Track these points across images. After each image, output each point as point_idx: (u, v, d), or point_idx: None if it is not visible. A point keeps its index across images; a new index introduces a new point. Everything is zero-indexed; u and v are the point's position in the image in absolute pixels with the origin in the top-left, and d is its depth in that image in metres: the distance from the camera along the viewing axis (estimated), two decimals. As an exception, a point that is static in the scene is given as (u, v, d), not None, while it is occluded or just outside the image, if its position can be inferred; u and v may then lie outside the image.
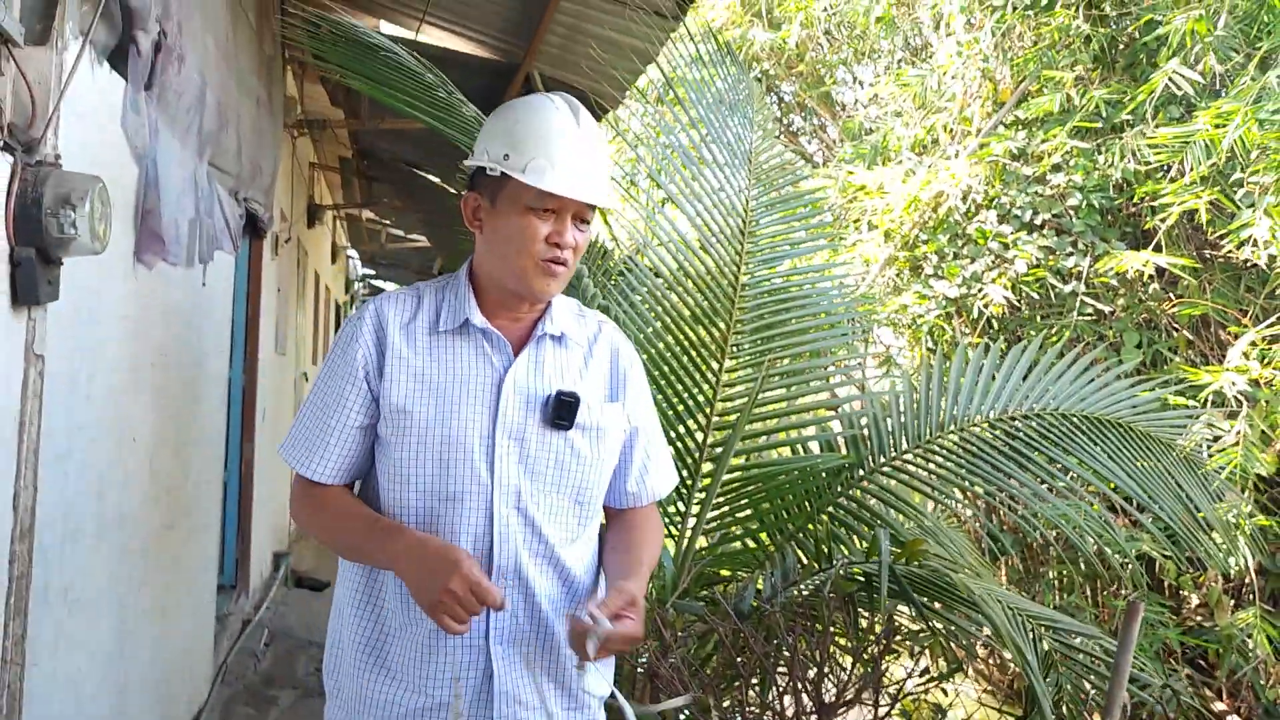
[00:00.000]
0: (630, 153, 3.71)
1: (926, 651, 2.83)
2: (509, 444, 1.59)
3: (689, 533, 3.10)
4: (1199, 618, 4.79)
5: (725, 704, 2.72)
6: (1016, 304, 5.10)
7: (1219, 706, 4.94)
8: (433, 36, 5.60)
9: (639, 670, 2.76)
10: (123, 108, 2.57)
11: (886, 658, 2.55)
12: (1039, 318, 5.09)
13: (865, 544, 2.87)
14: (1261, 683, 4.39)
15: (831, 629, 2.55)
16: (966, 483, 3.15)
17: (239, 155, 4.04)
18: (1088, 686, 2.27)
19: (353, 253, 15.32)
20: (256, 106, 4.59)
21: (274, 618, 5.62)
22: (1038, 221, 5.03)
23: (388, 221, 12.38)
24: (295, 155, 7.08)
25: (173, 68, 2.85)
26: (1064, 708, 2.28)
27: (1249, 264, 4.35)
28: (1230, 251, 4.11)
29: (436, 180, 7.67)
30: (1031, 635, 2.20)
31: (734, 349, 3.27)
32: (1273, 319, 4.03)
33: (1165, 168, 4.38)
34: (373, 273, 18.77)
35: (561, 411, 1.61)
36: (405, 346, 1.63)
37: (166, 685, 3.48)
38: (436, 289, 1.71)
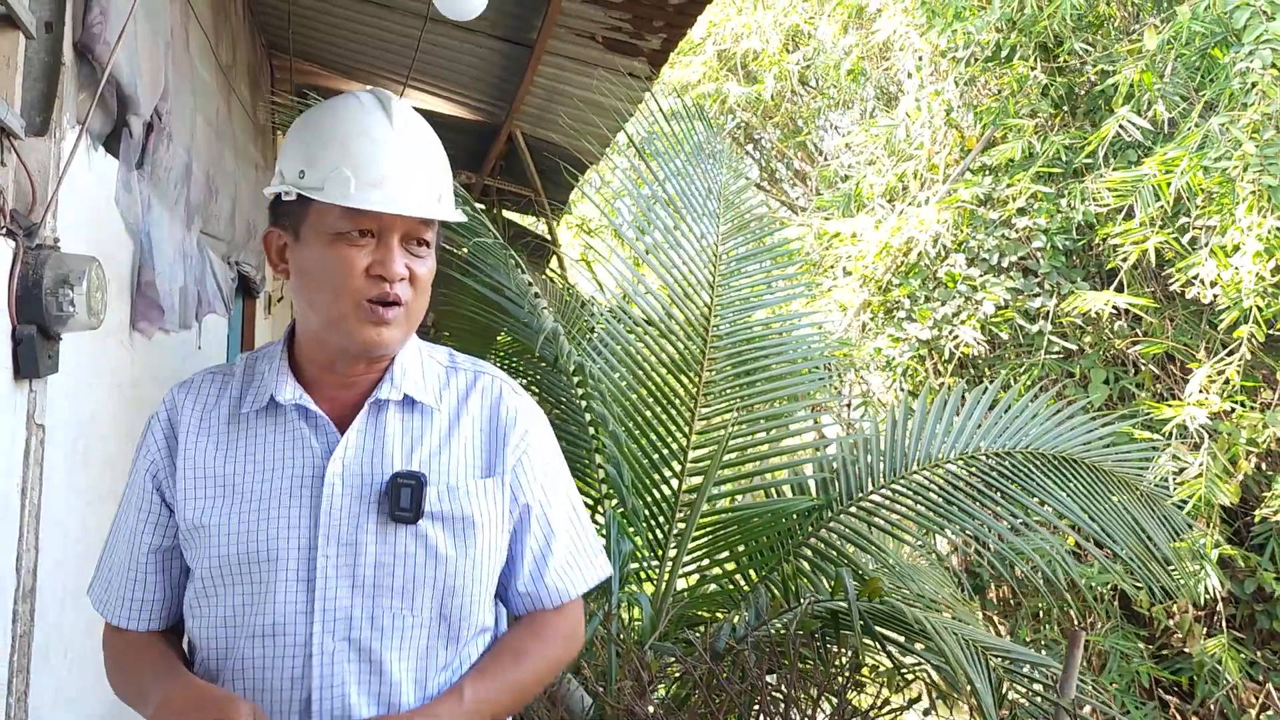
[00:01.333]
0: (609, 206, 3.87)
1: (904, 683, 2.94)
2: (337, 553, 1.22)
3: (667, 575, 3.22)
4: (1178, 645, 4.88)
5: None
6: (987, 344, 5.25)
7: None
8: (417, 100, 5.81)
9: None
10: (116, 187, 2.73)
11: (855, 690, 2.66)
12: (1010, 357, 5.24)
13: (832, 583, 2.99)
14: (1234, 708, 4.48)
15: (802, 665, 2.66)
16: (933, 521, 3.27)
17: (231, 221, 4.21)
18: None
19: (347, 306, 15.46)
20: (256, 172, 4.79)
21: (271, 671, 5.67)
22: (1005, 264, 5.20)
23: (381, 275, 12.57)
24: (287, 215, 7.26)
25: (163, 146, 3.02)
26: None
27: (1209, 302, 4.51)
28: (1182, 289, 4.28)
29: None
30: (986, 665, 2.31)
31: (708, 396, 3.40)
32: (1224, 353, 4.18)
33: (1123, 209, 4.56)
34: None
35: (401, 498, 1.23)
36: (201, 441, 1.29)
37: (164, 739, 3.56)
38: (251, 360, 1.35)
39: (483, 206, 7.12)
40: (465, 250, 3.45)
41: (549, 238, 6.99)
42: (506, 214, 7.76)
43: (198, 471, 1.28)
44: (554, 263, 7.01)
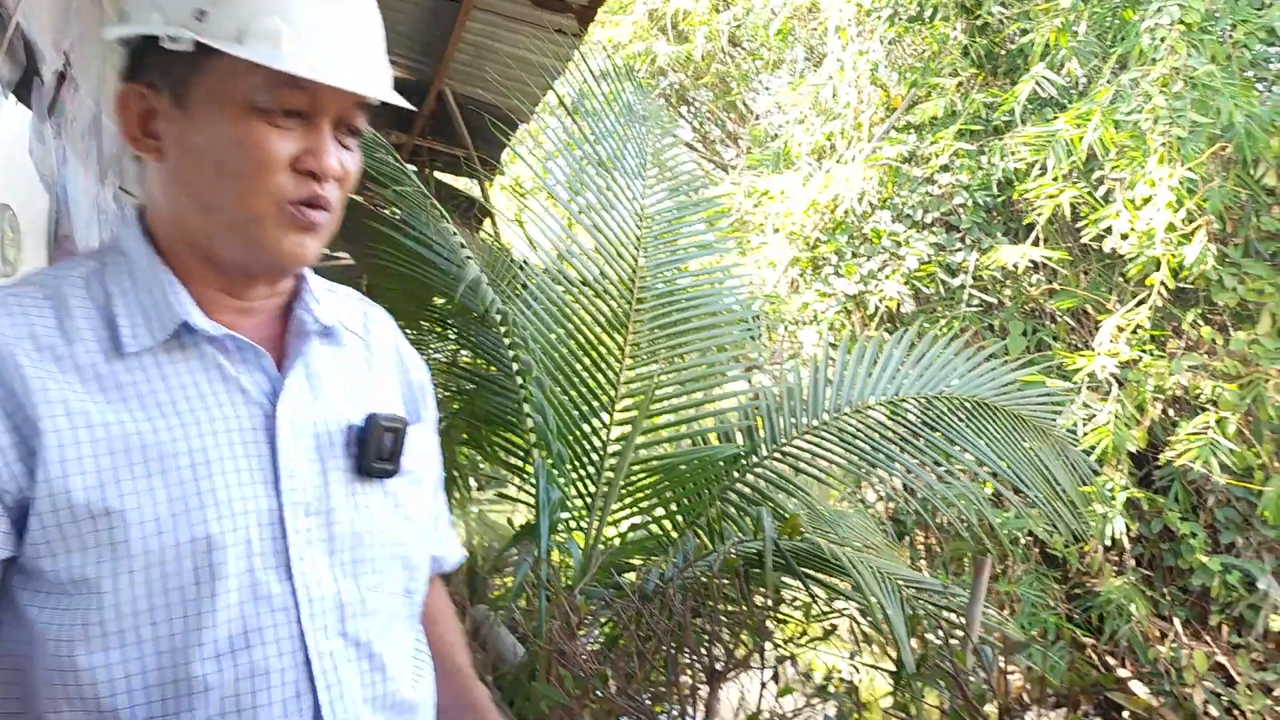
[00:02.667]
0: (540, 166, 3.88)
1: (829, 625, 3.06)
2: (308, 525, 0.93)
3: (596, 524, 3.29)
4: (1090, 585, 5.11)
5: (632, 681, 2.90)
6: (912, 298, 5.39)
7: (1124, 672, 5.27)
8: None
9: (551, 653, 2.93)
10: (30, 138, 2.68)
11: (777, 625, 2.76)
12: (933, 310, 5.39)
13: (754, 524, 3.08)
14: (1140, 641, 4.72)
15: (728, 604, 2.75)
16: (858, 466, 3.37)
17: (142, 177, 4.15)
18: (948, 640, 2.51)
19: (278, 272, 15.23)
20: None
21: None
22: (928, 220, 5.33)
23: (311, 239, 12.43)
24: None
25: (69, 95, 2.97)
26: (928, 660, 2.50)
27: (1118, 253, 4.68)
28: (1094, 242, 4.44)
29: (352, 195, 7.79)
30: (899, 596, 2.42)
31: (635, 347, 3.46)
32: (1132, 304, 4.36)
33: (1040, 165, 4.70)
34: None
35: (384, 447, 0.97)
36: (76, 387, 0.87)
37: None
38: (86, 276, 0.94)
39: (414, 168, 7.06)
40: (393, 211, 3.45)
41: (482, 198, 6.96)
42: (438, 175, 7.70)
43: (81, 432, 0.85)
44: (488, 224, 6.99)
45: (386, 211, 3.60)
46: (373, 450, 0.96)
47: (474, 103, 6.00)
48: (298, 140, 0.90)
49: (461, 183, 8.35)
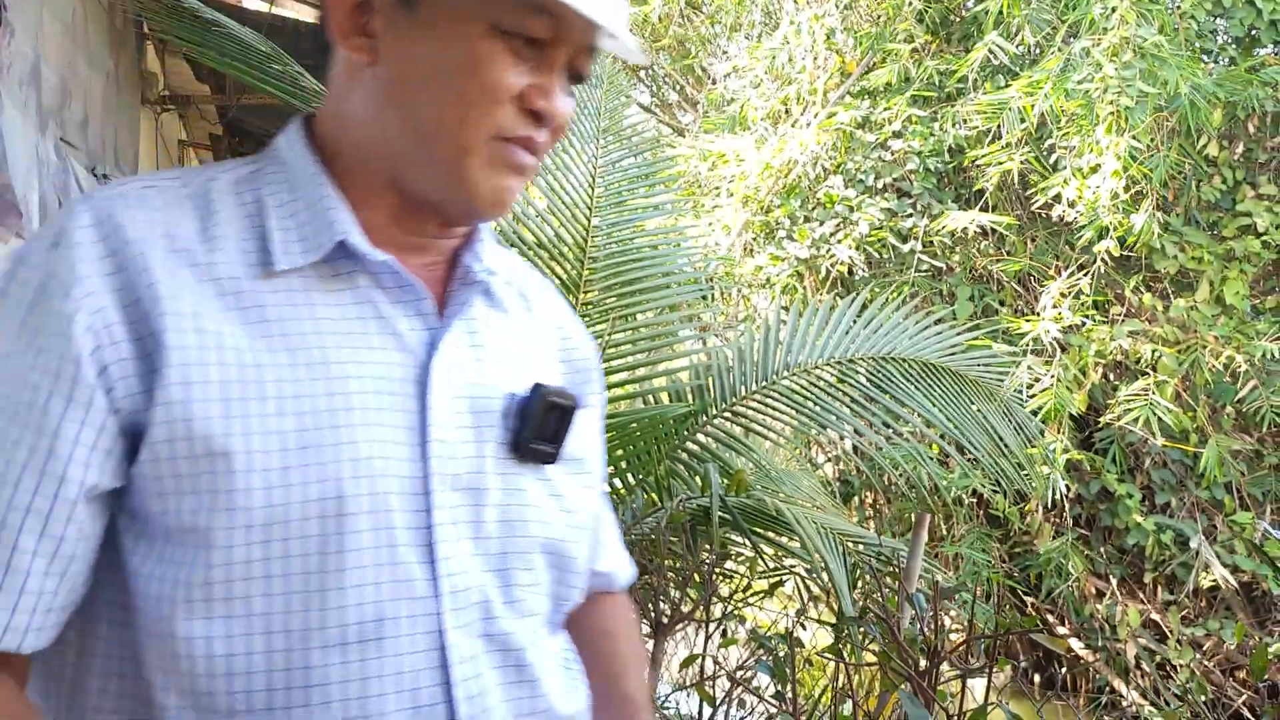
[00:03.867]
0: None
1: (774, 580, 3.11)
2: (456, 502, 0.78)
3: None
4: (1031, 542, 5.24)
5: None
6: (865, 263, 5.45)
7: (1062, 630, 5.42)
8: (289, 8, 5.61)
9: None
10: (-37, 83, 2.61)
11: (726, 582, 2.81)
12: (884, 275, 5.45)
13: (702, 481, 3.12)
14: (1075, 599, 4.86)
15: (674, 559, 2.79)
16: (808, 425, 3.42)
17: (84, 129, 4.05)
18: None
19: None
20: (106, 80, 4.57)
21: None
22: (880, 185, 5.37)
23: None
24: (161, 133, 6.95)
25: (4, 40, 2.89)
26: (868, 613, 2.56)
27: (1064, 220, 4.76)
28: (1041, 209, 4.51)
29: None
30: (841, 550, 2.47)
31: (588, 307, 3.47)
32: (1072, 269, 4.44)
33: (992, 132, 4.75)
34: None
35: (549, 425, 0.83)
36: (206, 301, 0.74)
37: None
38: (237, 181, 0.81)
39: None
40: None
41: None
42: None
43: (210, 354, 0.72)
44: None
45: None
46: (534, 426, 0.82)
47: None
48: (531, 75, 0.78)
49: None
